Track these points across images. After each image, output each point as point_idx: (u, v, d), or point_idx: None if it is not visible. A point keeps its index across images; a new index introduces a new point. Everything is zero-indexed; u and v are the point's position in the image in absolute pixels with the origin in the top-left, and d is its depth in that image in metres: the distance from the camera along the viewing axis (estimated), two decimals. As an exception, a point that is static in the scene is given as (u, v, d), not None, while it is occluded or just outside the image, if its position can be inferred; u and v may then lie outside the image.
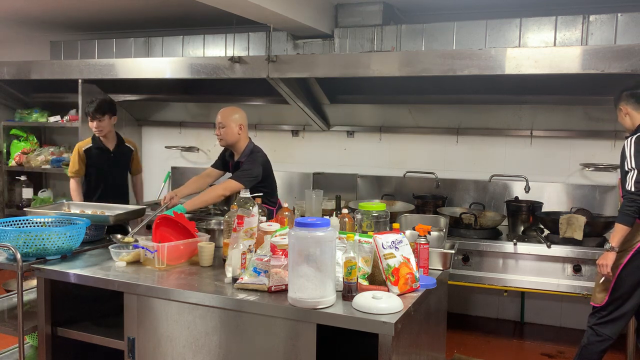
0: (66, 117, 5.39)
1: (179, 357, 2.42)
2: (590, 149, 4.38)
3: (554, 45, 4.01)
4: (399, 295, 2.24)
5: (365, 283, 2.34)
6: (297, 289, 2.14)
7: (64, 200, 4.04)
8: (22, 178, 5.67)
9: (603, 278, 3.17)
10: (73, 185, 4.33)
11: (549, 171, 4.49)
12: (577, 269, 3.71)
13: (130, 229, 3.38)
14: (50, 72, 5.14)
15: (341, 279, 2.25)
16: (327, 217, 2.71)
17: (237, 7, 3.85)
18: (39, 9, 5.04)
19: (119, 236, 3.05)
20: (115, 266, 2.73)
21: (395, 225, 2.65)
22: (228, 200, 5.09)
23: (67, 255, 2.84)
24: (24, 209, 3.57)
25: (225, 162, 3.91)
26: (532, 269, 3.83)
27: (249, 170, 3.59)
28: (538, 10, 4.28)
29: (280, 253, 2.29)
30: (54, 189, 6.02)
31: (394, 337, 2.01)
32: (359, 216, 2.83)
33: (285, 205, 3.01)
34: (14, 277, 3.13)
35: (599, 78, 3.59)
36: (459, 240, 3.60)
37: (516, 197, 4.38)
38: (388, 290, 2.27)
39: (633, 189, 3.00)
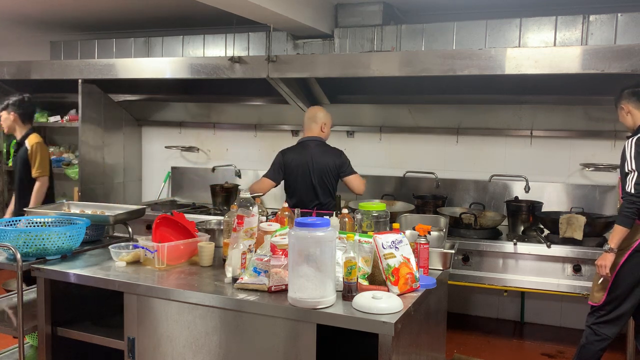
0: (66, 117, 5.39)
1: (179, 357, 2.42)
2: (590, 149, 4.38)
3: (554, 45, 4.01)
4: (399, 295, 2.24)
5: (365, 283, 2.34)
6: (297, 289, 2.14)
7: (64, 200, 4.04)
8: (22, 178, 5.66)
9: (602, 278, 3.17)
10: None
11: (549, 171, 4.49)
12: (577, 269, 3.71)
13: (130, 229, 3.39)
14: (50, 72, 5.14)
15: (341, 279, 2.25)
16: (327, 217, 2.71)
17: (237, 7, 3.85)
18: (39, 9, 5.03)
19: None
20: (115, 266, 2.73)
21: (395, 225, 2.65)
22: (228, 200, 5.12)
23: (67, 255, 2.84)
24: (24, 209, 3.57)
25: None
26: (532, 269, 3.83)
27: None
28: (538, 10, 4.28)
29: (280, 253, 2.29)
30: (54, 189, 6.01)
31: (394, 337, 2.01)
32: (359, 216, 2.83)
33: (285, 205, 3.02)
34: (14, 277, 3.13)
35: (599, 78, 3.59)
36: (459, 240, 3.60)
37: (516, 197, 4.38)
38: (388, 290, 2.27)
39: (633, 191, 2.99)
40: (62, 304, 2.80)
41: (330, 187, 3.85)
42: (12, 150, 4.49)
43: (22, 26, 5.82)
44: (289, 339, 2.19)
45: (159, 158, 5.82)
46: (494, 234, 4.12)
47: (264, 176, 3.91)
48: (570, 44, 3.98)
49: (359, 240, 2.40)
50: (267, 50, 4.89)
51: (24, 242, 2.67)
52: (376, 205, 2.84)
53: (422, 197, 4.61)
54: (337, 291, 2.22)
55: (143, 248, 2.73)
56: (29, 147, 4.35)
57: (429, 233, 2.66)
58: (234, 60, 4.34)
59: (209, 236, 2.96)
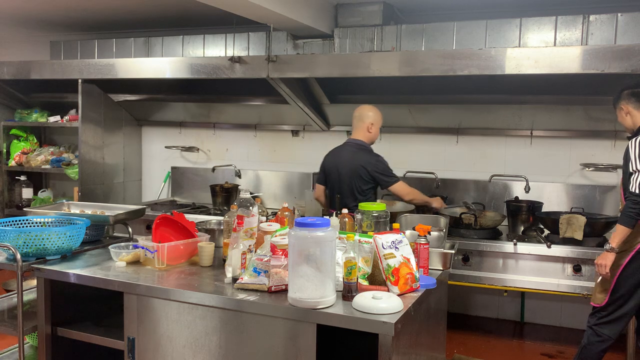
0: (66, 117, 5.39)
1: (179, 357, 2.42)
2: (590, 149, 4.38)
3: (554, 45, 4.01)
4: (399, 295, 2.24)
5: (365, 283, 2.34)
6: (297, 289, 2.14)
7: (64, 200, 4.04)
8: (22, 178, 5.67)
9: (601, 277, 3.17)
10: None
11: (549, 171, 4.49)
12: (577, 269, 3.71)
13: (130, 230, 3.39)
14: (50, 72, 5.14)
15: (341, 279, 2.25)
16: (327, 217, 2.71)
17: (237, 7, 3.85)
18: (39, 9, 5.03)
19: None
20: (115, 266, 2.73)
21: (395, 225, 2.65)
22: (228, 200, 5.12)
23: (67, 255, 2.84)
24: (24, 209, 3.57)
25: None
26: (532, 269, 3.83)
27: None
28: (538, 10, 4.28)
29: (280, 253, 2.29)
30: (54, 189, 6.03)
31: (394, 337, 2.01)
32: (359, 216, 2.83)
33: (285, 205, 3.02)
34: (14, 277, 3.13)
35: (599, 78, 3.59)
36: (459, 240, 3.60)
37: (516, 197, 4.38)
38: (388, 290, 2.27)
39: (637, 191, 2.97)
40: (62, 304, 2.80)
41: (357, 192, 3.78)
42: None
43: (22, 26, 5.82)
44: (289, 339, 2.19)
45: (159, 158, 5.82)
46: (494, 234, 4.12)
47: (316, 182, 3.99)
48: (570, 44, 3.98)
49: (359, 240, 2.40)
50: (267, 50, 4.89)
51: (24, 242, 2.67)
52: (376, 205, 2.84)
53: (422, 197, 4.60)
54: (337, 291, 2.22)
55: (143, 248, 2.73)
56: None
57: (429, 233, 2.66)
58: (234, 60, 4.34)
59: (209, 236, 2.96)
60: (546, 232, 4.04)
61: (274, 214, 3.03)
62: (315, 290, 2.11)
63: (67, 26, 5.75)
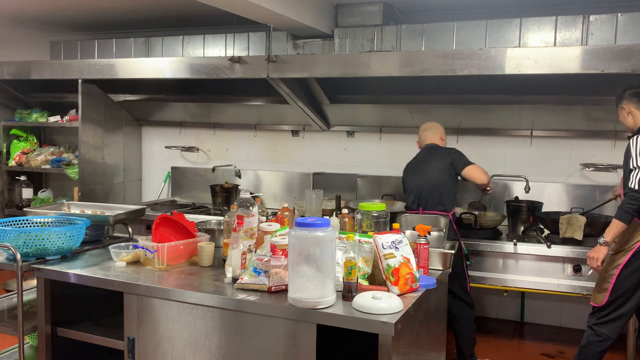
0: (66, 117, 5.39)
1: (179, 357, 2.42)
2: (590, 149, 4.38)
3: (554, 45, 4.01)
4: (399, 295, 2.24)
5: (365, 283, 2.34)
6: (297, 289, 2.14)
7: (64, 200, 4.04)
8: (22, 178, 5.67)
9: (599, 277, 3.18)
10: None
11: (549, 171, 4.49)
12: (577, 269, 3.71)
13: (130, 230, 3.39)
14: (50, 72, 5.14)
15: (341, 279, 2.25)
16: (327, 217, 2.71)
17: (237, 7, 3.85)
18: (39, 9, 5.03)
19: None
20: (115, 266, 2.73)
21: (395, 225, 2.65)
22: (228, 200, 5.12)
23: (67, 255, 2.84)
24: (24, 209, 3.57)
25: None
26: (532, 269, 3.83)
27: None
28: (538, 10, 4.28)
29: (280, 253, 2.29)
30: (54, 189, 6.02)
31: (394, 337, 2.01)
32: (359, 216, 2.83)
33: (285, 205, 3.02)
34: (14, 277, 3.13)
35: (599, 78, 3.59)
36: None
37: (516, 197, 4.38)
38: (388, 290, 2.27)
39: (637, 187, 2.99)
40: (62, 304, 2.80)
41: (444, 191, 3.75)
42: None
43: (22, 26, 5.82)
44: (289, 339, 2.19)
45: (159, 158, 5.82)
46: (494, 234, 4.12)
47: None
48: (570, 44, 3.98)
49: (359, 241, 2.40)
50: (267, 50, 4.89)
51: (24, 242, 2.67)
52: (376, 205, 2.84)
53: (422, 197, 4.60)
54: (337, 291, 2.22)
55: (143, 248, 2.73)
56: None
57: (429, 233, 2.66)
58: (234, 60, 4.34)
59: (209, 236, 2.96)
60: (546, 232, 4.04)
61: (274, 214, 3.03)
62: (315, 290, 2.11)
63: (67, 26, 5.75)
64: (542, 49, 3.66)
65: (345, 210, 3.02)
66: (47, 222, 3.00)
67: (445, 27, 4.31)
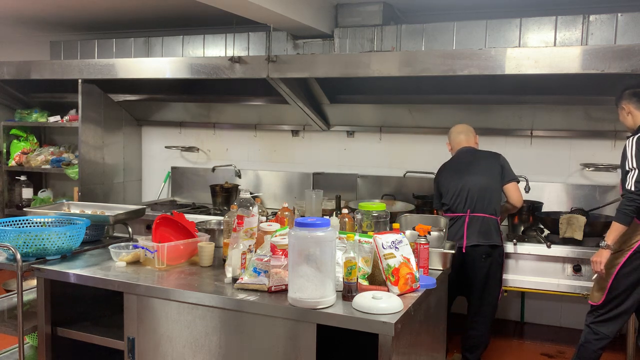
0: (66, 117, 5.39)
1: (179, 357, 2.42)
2: (590, 149, 4.38)
3: (554, 45, 4.01)
4: (399, 295, 2.24)
5: (365, 283, 2.34)
6: (297, 289, 2.14)
7: (64, 200, 4.04)
8: (22, 178, 5.67)
9: (597, 275, 3.18)
10: None
11: (549, 171, 4.49)
12: (577, 269, 3.71)
13: (130, 230, 3.39)
14: (50, 72, 5.14)
15: (341, 279, 2.25)
16: (327, 217, 2.71)
17: (237, 7, 3.85)
18: (39, 9, 5.03)
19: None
20: (115, 266, 2.73)
21: (395, 225, 2.65)
22: (228, 200, 5.12)
23: (67, 255, 2.84)
24: (24, 209, 3.57)
25: None
26: (532, 269, 3.83)
27: None
28: (538, 10, 4.28)
29: (280, 253, 2.29)
30: (54, 189, 6.02)
31: (394, 337, 2.01)
32: (359, 216, 2.83)
33: (285, 205, 3.02)
34: (14, 277, 3.13)
35: (599, 78, 3.59)
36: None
37: (516, 197, 4.38)
38: (388, 290, 2.27)
39: (633, 189, 3.00)
40: (62, 304, 2.80)
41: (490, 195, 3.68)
42: None
43: (22, 26, 5.82)
44: (289, 339, 2.19)
45: (159, 158, 5.82)
46: (494, 234, 4.12)
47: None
48: (570, 44, 3.98)
49: (359, 240, 2.40)
50: (267, 50, 4.89)
51: (24, 242, 2.67)
52: (376, 205, 2.84)
53: (422, 197, 4.61)
54: (337, 291, 2.22)
55: (143, 248, 2.73)
56: None
57: (429, 233, 2.66)
58: (234, 60, 4.34)
59: (209, 236, 2.96)
60: (546, 232, 4.05)
61: (274, 214, 3.03)
62: (315, 290, 2.11)
63: (67, 26, 5.75)
64: (542, 49, 3.66)
65: (345, 210, 3.02)
66: (47, 222, 3.00)
67: (445, 27, 4.31)
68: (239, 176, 5.42)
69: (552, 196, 4.44)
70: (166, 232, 2.85)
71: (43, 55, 6.04)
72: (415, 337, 2.35)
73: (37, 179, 5.98)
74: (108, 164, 5.41)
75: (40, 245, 2.69)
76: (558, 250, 3.75)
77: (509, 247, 3.83)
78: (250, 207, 2.57)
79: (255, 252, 2.47)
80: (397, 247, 2.34)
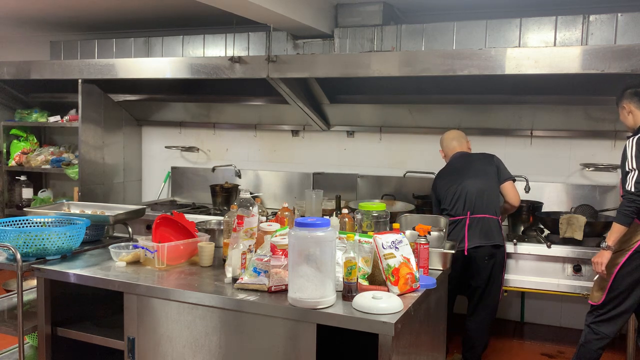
0: (66, 117, 5.39)
1: (179, 357, 2.42)
2: (590, 149, 4.38)
3: (554, 45, 4.01)
4: (399, 295, 2.24)
5: (365, 283, 2.34)
6: (297, 289, 2.14)
7: (64, 200, 4.04)
8: (22, 178, 5.67)
9: (598, 275, 3.18)
10: None
11: (549, 171, 4.49)
12: (577, 269, 3.71)
13: (130, 230, 3.39)
14: (50, 72, 5.14)
15: (341, 279, 2.25)
16: (327, 217, 2.71)
17: (237, 7, 3.85)
18: (39, 9, 5.03)
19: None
20: (115, 266, 2.73)
21: (395, 225, 2.65)
22: (228, 200, 5.12)
23: (67, 255, 2.84)
24: (24, 209, 3.57)
25: None
26: (532, 269, 3.83)
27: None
28: (538, 10, 4.28)
29: (280, 253, 2.29)
30: (54, 189, 6.02)
31: (394, 337, 2.01)
32: (359, 216, 2.83)
33: (285, 205, 3.02)
34: (14, 277, 3.13)
35: (599, 78, 3.59)
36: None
37: (516, 197, 4.38)
38: (388, 290, 2.27)
39: (633, 189, 3.00)
40: (62, 304, 2.80)
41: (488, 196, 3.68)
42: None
43: (22, 26, 5.82)
44: (289, 339, 2.19)
45: (159, 158, 5.82)
46: (494, 234, 4.12)
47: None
48: (570, 44, 3.98)
49: (359, 240, 2.40)
50: (267, 50, 4.89)
51: (24, 242, 2.67)
52: (376, 205, 2.84)
53: (422, 197, 4.61)
54: (337, 291, 2.22)
55: (143, 248, 2.73)
56: None
57: (429, 233, 2.66)
58: (234, 60, 4.34)
59: (209, 236, 2.96)
60: (546, 232, 4.05)
61: (274, 214, 3.03)
62: (315, 290, 2.11)
63: (67, 26, 5.75)
64: (542, 49, 3.66)
65: (345, 210, 3.02)
66: (47, 222, 3.00)
67: (445, 27, 4.31)
68: (239, 176, 5.42)
69: (552, 196, 4.44)
70: (166, 232, 2.85)
71: (43, 55, 6.04)
72: (415, 337, 2.35)
73: (37, 179, 5.98)
74: (108, 164, 5.41)
75: (40, 245, 2.69)
76: (558, 250, 3.75)
77: (509, 247, 3.83)
78: (250, 207, 2.57)
79: (255, 252, 2.47)
80: (397, 247, 2.34)
